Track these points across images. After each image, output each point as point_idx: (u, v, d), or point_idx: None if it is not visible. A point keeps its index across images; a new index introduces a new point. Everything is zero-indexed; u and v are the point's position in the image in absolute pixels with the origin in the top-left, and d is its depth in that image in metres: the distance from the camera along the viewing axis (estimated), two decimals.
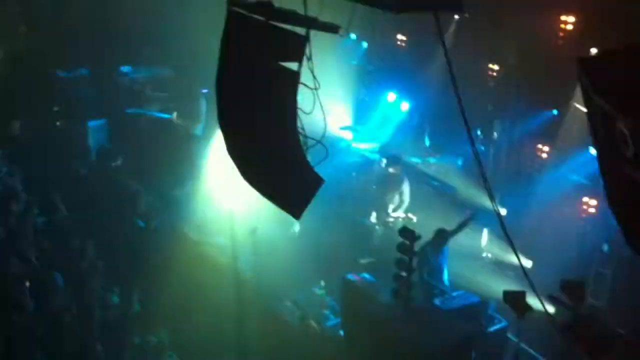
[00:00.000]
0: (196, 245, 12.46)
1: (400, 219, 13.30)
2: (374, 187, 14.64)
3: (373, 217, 13.79)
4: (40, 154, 13.22)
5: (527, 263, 11.88)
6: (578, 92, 11.29)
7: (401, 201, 13.61)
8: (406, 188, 13.63)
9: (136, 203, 13.12)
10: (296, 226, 13.15)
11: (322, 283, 11.55)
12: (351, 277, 10.20)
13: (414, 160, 14.90)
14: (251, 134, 5.83)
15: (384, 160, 14.26)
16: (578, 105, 11.68)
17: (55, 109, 15.45)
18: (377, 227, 13.65)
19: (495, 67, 13.64)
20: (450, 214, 12.38)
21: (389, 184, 13.67)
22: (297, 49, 5.12)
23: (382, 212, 13.63)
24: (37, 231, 11.11)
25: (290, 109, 5.28)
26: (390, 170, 13.74)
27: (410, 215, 13.46)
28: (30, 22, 17.05)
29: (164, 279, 10.95)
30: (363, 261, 12.37)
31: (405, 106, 15.79)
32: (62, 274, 10.41)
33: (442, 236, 10.83)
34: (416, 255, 9.50)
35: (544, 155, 13.18)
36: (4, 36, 16.11)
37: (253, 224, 12.15)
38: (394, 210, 13.57)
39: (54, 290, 10.03)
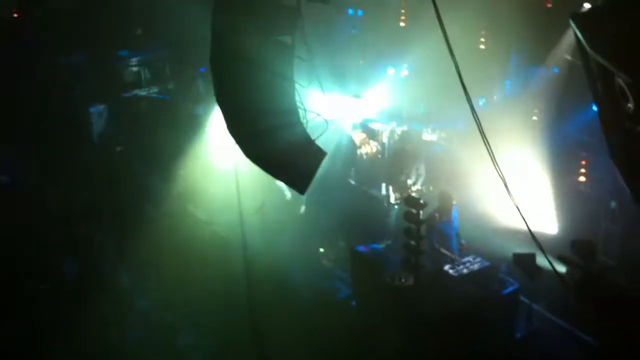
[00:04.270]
0: (205, 225, 12.47)
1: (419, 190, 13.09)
2: (379, 157, 14.52)
3: (384, 189, 13.62)
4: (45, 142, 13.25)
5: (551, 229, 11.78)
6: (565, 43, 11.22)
7: (418, 175, 13.38)
8: (422, 162, 13.41)
9: (144, 187, 13.15)
10: (302, 207, 13.12)
11: (332, 257, 11.56)
12: (360, 248, 10.20)
13: (416, 127, 14.76)
14: (250, 112, 5.78)
15: (397, 130, 14.08)
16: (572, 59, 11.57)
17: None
18: (391, 203, 13.44)
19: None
20: (455, 177, 12.34)
21: (406, 160, 13.40)
22: (289, 22, 5.07)
23: (399, 186, 13.40)
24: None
25: (287, 83, 5.24)
26: (409, 147, 13.56)
27: (431, 188, 13.15)
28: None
29: (174, 259, 10.99)
30: (383, 245, 12.22)
31: (404, 73, 15.64)
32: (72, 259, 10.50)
33: (447, 201, 10.70)
34: (425, 223, 9.48)
35: (542, 114, 13.06)
36: None
37: (260, 199, 12.13)
38: (413, 184, 13.33)
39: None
